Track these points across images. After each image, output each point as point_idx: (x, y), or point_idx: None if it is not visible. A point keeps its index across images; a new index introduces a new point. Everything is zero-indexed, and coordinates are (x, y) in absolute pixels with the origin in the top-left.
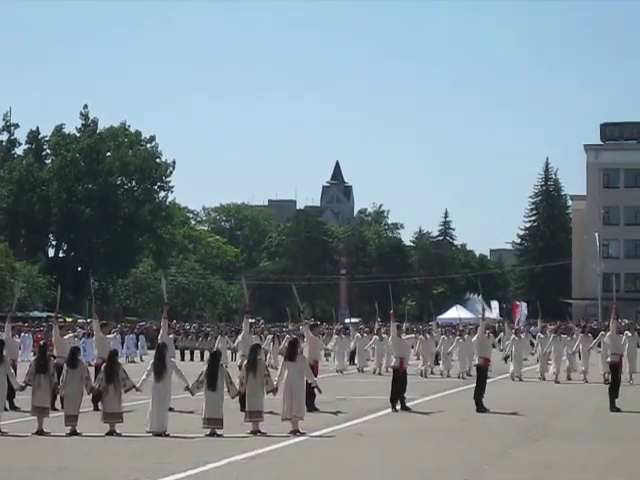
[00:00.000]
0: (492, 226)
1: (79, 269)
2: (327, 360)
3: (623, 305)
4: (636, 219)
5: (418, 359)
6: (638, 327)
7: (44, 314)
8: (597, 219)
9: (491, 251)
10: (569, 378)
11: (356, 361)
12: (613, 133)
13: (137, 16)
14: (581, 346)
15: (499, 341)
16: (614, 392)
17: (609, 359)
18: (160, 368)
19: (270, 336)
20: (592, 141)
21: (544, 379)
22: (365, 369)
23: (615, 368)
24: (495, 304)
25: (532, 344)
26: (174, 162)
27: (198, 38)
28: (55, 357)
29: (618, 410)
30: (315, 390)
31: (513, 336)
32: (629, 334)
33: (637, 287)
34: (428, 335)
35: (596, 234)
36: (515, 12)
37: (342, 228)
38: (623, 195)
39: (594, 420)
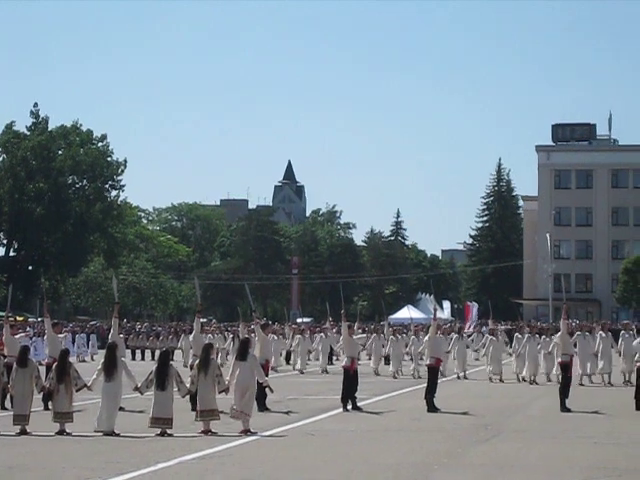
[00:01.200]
0: (444, 226)
1: (30, 268)
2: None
3: (574, 306)
4: (587, 220)
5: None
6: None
7: None
8: (548, 220)
9: (443, 251)
10: (549, 380)
11: (317, 361)
12: (564, 134)
13: (87, 15)
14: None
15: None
16: (564, 392)
17: (559, 359)
18: (110, 367)
19: (231, 335)
20: (543, 142)
21: (522, 380)
22: (329, 368)
23: (565, 368)
24: (447, 304)
25: (484, 345)
26: (125, 161)
27: (150, 38)
28: (5, 356)
29: (568, 410)
30: (266, 390)
31: (490, 337)
32: (602, 334)
33: (588, 288)
34: (399, 336)
35: (547, 235)
36: (467, 12)
37: (294, 228)
38: (574, 196)
39: (544, 420)
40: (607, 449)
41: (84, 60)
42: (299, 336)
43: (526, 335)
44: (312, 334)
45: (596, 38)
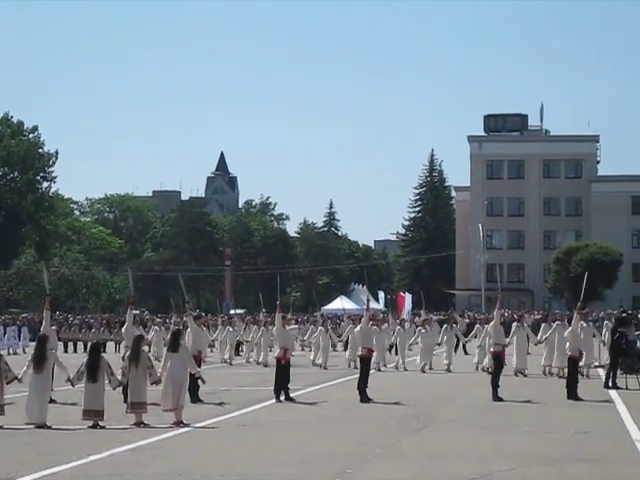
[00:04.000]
0: (377, 217)
1: None
2: (212, 351)
3: (506, 296)
4: (519, 210)
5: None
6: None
7: None
8: (480, 210)
9: (376, 242)
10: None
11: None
12: (496, 124)
13: (14, 6)
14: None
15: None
16: (496, 381)
17: (492, 349)
18: (40, 360)
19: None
20: (475, 132)
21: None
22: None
23: (497, 358)
24: (382, 295)
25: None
26: (57, 152)
27: (80, 28)
28: None
29: (500, 399)
30: (199, 381)
31: (487, 326)
32: (584, 325)
33: (520, 278)
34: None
35: (479, 225)
36: (396, 2)
37: (227, 219)
38: (506, 186)
39: (476, 410)
40: (539, 438)
41: (14, 51)
42: (263, 328)
43: (514, 325)
44: (247, 325)
45: (527, 29)
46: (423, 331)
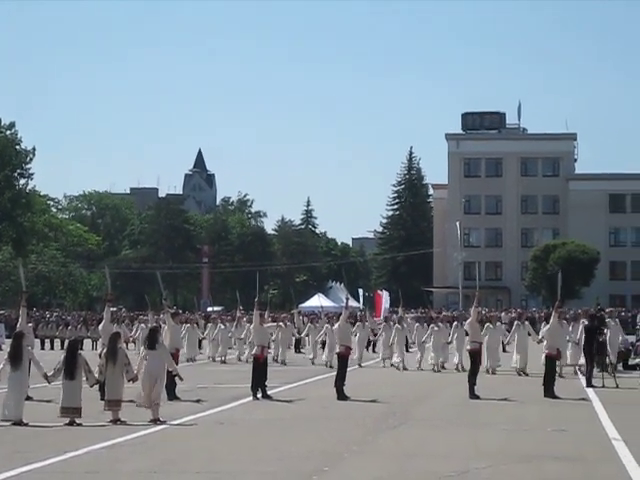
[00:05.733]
0: (355, 215)
1: None
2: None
3: (484, 293)
4: (497, 208)
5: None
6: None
7: None
8: (458, 208)
9: (353, 240)
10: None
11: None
12: (474, 122)
13: None
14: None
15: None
16: (472, 379)
17: (469, 346)
18: (17, 357)
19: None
20: (453, 130)
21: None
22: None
23: (474, 355)
24: (361, 292)
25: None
26: (34, 149)
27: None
28: None
29: (477, 397)
30: (176, 378)
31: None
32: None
33: (497, 276)
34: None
35: (457, 223)
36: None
37: (204, 216)
38: (484, 184)
39: (453, 407)
40: (516, 435)
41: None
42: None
43: (515, 323)
44: (223, 322)
45: (503, 27)
46: (436, 329)
